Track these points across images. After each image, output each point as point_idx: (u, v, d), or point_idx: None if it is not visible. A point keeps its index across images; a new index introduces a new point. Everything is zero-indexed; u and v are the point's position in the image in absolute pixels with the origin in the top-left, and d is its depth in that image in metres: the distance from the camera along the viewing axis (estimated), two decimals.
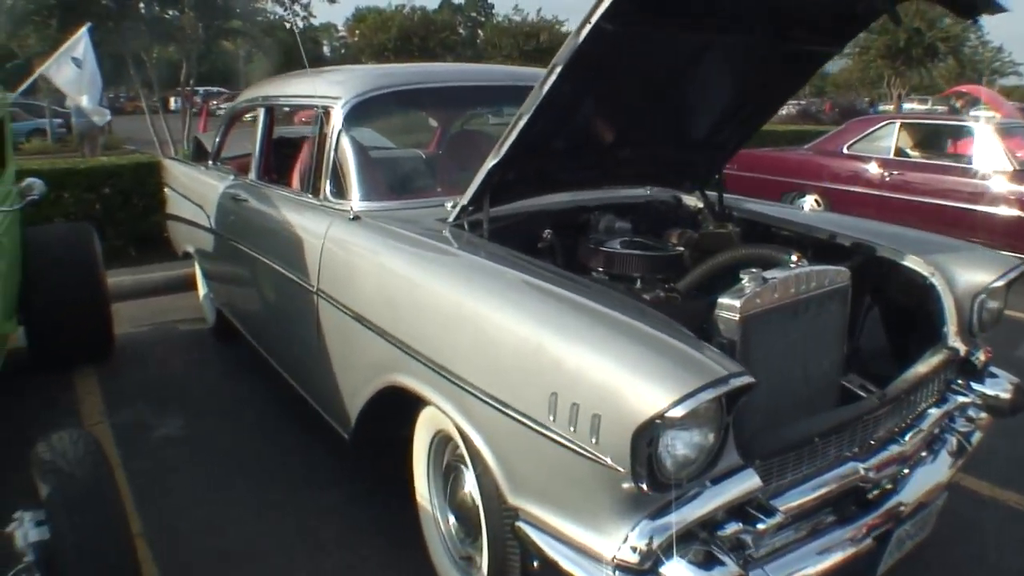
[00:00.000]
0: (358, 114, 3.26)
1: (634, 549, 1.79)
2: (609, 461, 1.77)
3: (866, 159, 8.42)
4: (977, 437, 2.76)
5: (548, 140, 2.66)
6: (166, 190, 5.94)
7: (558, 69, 2.28)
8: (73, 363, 4.68)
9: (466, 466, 2.44)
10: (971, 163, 7.78)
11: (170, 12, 8.32)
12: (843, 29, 2.95)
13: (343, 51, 50.92)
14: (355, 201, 3.07)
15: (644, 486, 1.76)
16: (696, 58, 2.71)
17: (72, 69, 5.71)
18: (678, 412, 1.68)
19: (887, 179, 8.21)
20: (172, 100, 18.62)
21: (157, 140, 8.36)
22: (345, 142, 3.20)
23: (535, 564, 2.04)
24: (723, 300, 2.22)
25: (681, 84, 2.84)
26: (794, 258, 2.59)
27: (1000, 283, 2.78)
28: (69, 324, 4.43)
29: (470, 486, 2.43)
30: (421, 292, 2.41)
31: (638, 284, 2.68)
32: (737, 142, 3.40)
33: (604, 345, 1.87)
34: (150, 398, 4.32)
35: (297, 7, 9.06)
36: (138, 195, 7.15)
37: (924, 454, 2.55)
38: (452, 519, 2.62)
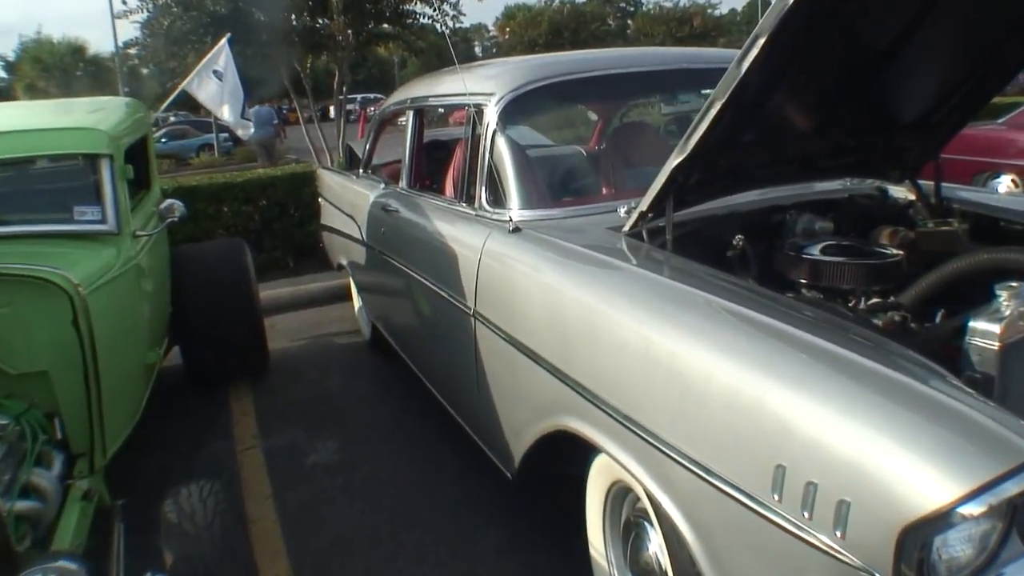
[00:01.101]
0: (514, 111, 2.91)
1: None
2: (859, 562, 1.30)
3: None
4: None
5: (741, 130, 2.20)
6: (320, 200, 5.88)
7: (760, 41, 1.82)
8: (228, 380, 4.64)
9: (651, 525, 2.03)
10: None
11: (320, 20, 8.37)
12: None
13: (494, 50, 51.54)
14: (514, 210, 2.72)
15: None
16: (915, 23, 2.16)
17: (214, 82, 5.73)
18: (972, 510, 1.20)
19: None
20: (331, 109, 19.25)
21: (313, 149, 8.43)
22: (501, 143, 2.86)
23: None
24: (978, 325, 1.73)
25: (894, 56, 2.29)
26: None
27: None
28: (223, 342, 4.35)
29: (656, 548, 2.02)
30: (600, 322, 1.99)
31: (861, 302, 2.17)
32: (959, 121, 2.79)
33: (856, 406, 1.38)
34: (304, 419, 4.18)
35: (447, 7, 8.91)
36: (294, 205, 7.19)
37: None
38: None
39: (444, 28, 9.32)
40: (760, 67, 1.88)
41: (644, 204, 2.33)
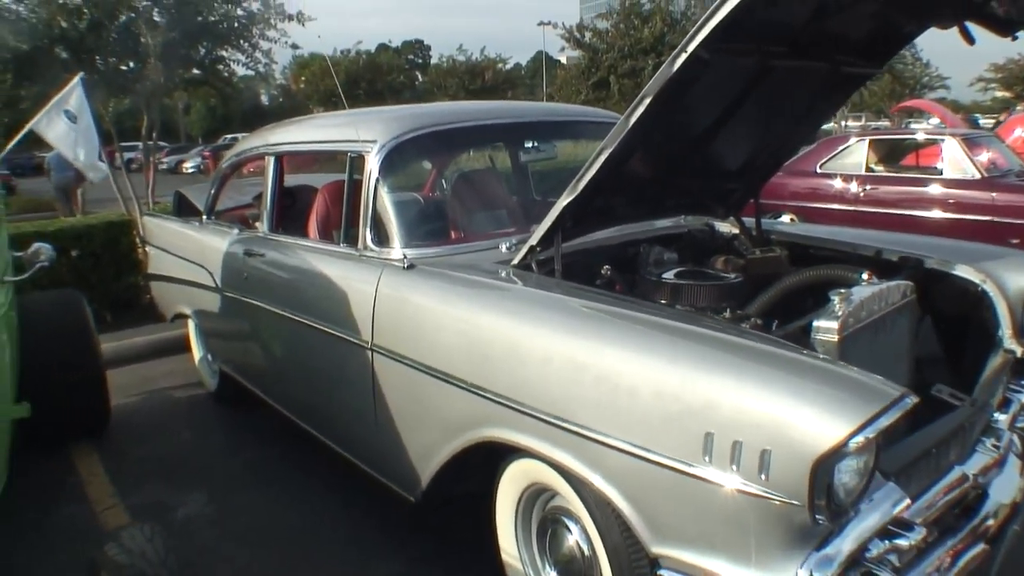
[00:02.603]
0: (396, 158, 3.12)
1: None
2: (783, 497, 1.68)
3: (839, 176, 8.59)
4: None
5: (620, 175, 2.57)
6: (149, 249, 5.66)
7: (647, 101, 2.20)
8: (68, 439, 4.38)
9: (570, 519, 2.33)
10: (941, 174, 8.00)
11: (130, 63, 8.05)
12: (884, 50, 2.95)
13: (281, 100, 50.41)
14: (404, 249, 2.91)
15: (823, 518, 1.70)
16: (752, 86, 2.67)
17: (64, 122, 5.41)
18: (860, 440, 1.63)
19: (862, 195, 8.37)
20: (116, 155, 18.07)
21: (121, 197, 8.01)
22: (384, 188, 3.05)
23: None
24: (820, 324, 2.20)
25: (735, 112, 2.79)
26: (865, 276, 2.63)
27: None
28: (65, 398, 4.12)
29: (577, 538, 2.31)
30: (523, 341, 2.26)
31: (725, 314, 2.59)
32: (774, 165, 3.40)
33: (766, 378, 1.78)
34: (163, 474, 4.04)
35: (259, 54, 8.90)
36: (110, 256, 6.84)
37: None
38: (554, 575, 2.47)
39: (261, 74, 9.30)
40: (641, 122, 2.25)
41: (535, 239, 2.64)
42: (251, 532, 3.41)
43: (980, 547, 2.22)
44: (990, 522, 2.28)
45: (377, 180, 3.05)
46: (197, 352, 5.27)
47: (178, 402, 5.23)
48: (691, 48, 2.07)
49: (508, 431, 2.27)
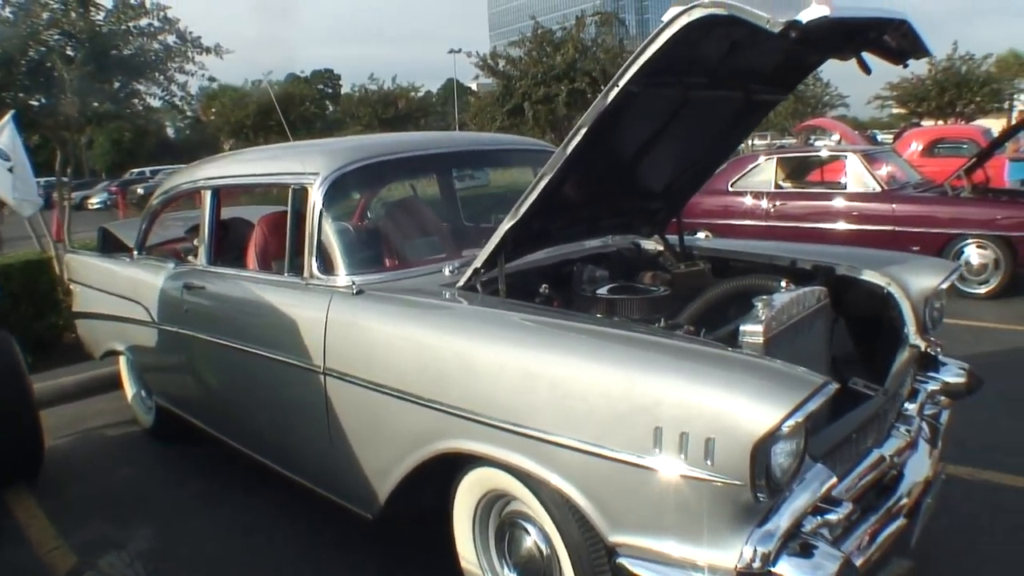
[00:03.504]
0: (339, 189, 3.24)
1: (753, 556, 1.91)
2: (727, 479, 1.88)
3: (750, 193, 9.05)
4: (946, 416, 3.17)
5: (557, 199, 2.75)
6: (75, 287, 5.57)
7: (583, 131, 2.40)
8: (1, 483, 4.27)
9: (528, 521, 2.47)
10: (844, 188, 8.53)
11: (41, 99, 7.88)
12: (790, 79, 3.24)
13: (188, 132, 49.18)
14: (351, 276, 3.03)
15: (763, 496, 1.90)
16: (674, 114, 2.90)
17: None
18: (792, 423, 1.84)
19: (772, 210, 8.83)
20: None
21: (35, 235, 7.84)
22: (329, 218, 3.16)
23: None
24: (747, 327, 2.41)
25: (657, 139, 3.02)
26: (783, 283, 2.87)
27: (946, 284, 3.18)
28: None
29: (535, 538, 2.46)
30: (476, 356, 2.41)
31: (660, 324, 2.79)
32: (694, 186, 3.64)
33: (707, 375, 1.99)
34: (105, 511, 4.00)
35: (175, 87, 8.82)
36: (29, 296, 6.67)
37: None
38: None
39: (178, 106, 9.20)
40: (578, 150, 2.45)
41: (479, 261, 2.79)
42: (203, 561, 3.43)
43: (900, 521, 2.49)
44: (905, 500, 2.54)
45: (321, 211, 3.16)
46: (130, 389, 5.21)
47: (113, 441, 5.14)
48: (622, 83, 2.29)
49: (465, 441, 2.41)
